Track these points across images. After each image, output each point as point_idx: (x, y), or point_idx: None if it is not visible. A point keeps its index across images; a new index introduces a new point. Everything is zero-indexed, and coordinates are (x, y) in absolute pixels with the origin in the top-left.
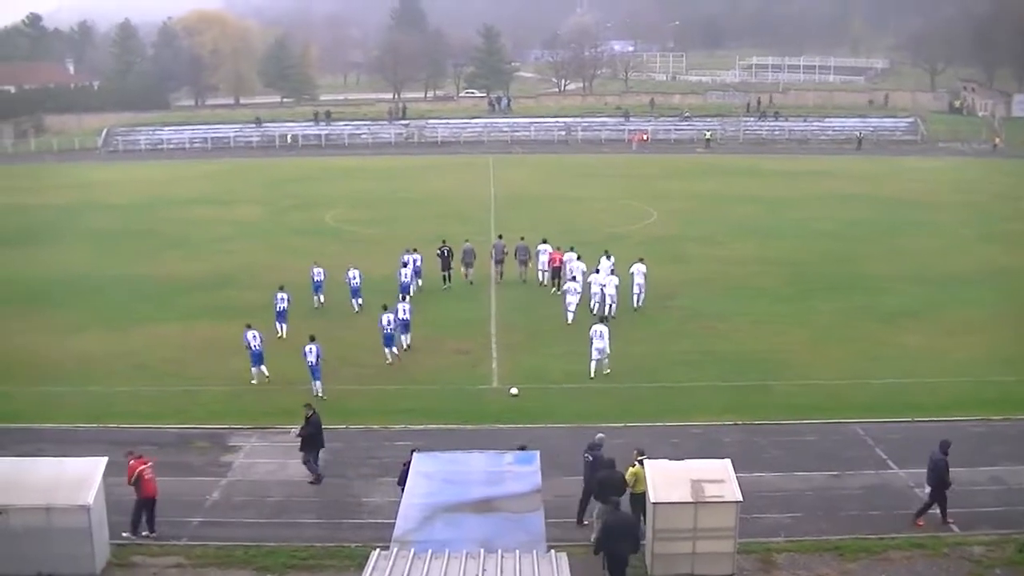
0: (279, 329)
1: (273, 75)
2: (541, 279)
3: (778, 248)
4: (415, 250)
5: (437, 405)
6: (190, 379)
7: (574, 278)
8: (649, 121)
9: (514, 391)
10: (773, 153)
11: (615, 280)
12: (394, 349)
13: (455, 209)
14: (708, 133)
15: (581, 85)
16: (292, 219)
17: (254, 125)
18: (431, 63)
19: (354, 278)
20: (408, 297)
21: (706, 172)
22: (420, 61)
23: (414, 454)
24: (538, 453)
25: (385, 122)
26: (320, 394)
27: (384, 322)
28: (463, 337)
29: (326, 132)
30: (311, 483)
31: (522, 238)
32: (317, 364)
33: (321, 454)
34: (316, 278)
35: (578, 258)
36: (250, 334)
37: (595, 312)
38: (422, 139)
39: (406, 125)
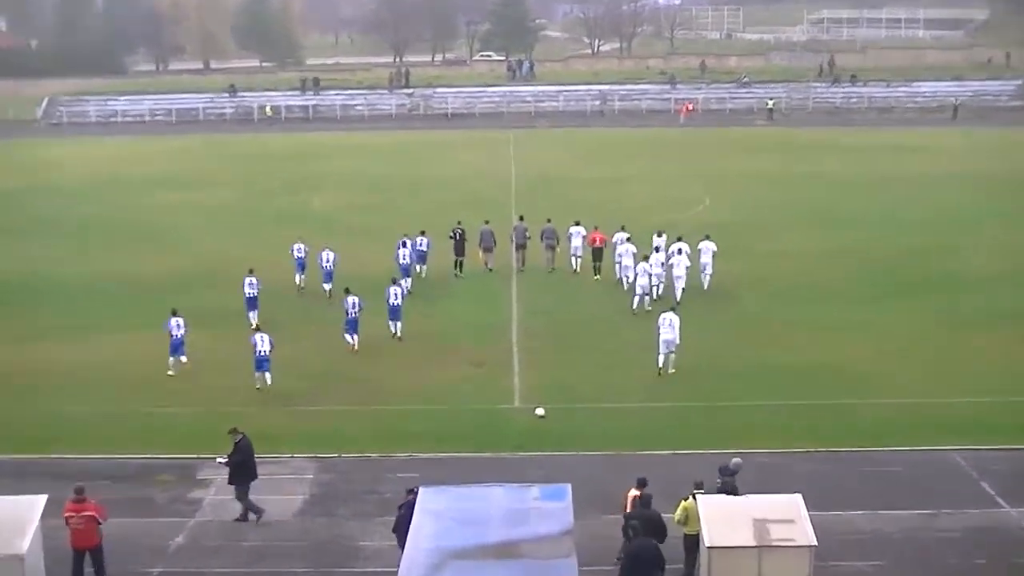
0: (251, 320)
1: (250, 34)
2: (574, 266)
3: (854, 240)
4: (422, 232)
5: (447, 429)
6: (156, 398)
7: (619, 262)
8: (699, 88)
9: (540, 411)
10: (849, 125)
11: (684, 261)
12: (355, 336)
13: (468, 194)
14: (770, 102)
15: (618, 46)
16: (275, 206)
17: (227, 94)
18: (439, 20)
19: (328, 260)
20: (405, 281)
21: (768, 149)
22: (426, 18)
23: (420, 489)
24: (569, 486)
25: (384, 91)
26: (267, 384)
27: (348, 305)
28: (478, 345)
29: (314, 103)
30: (238, 520)
31: (548, 220)
32: (266, 356)
33: (308, 488)
34: (297, 254)
35: (628, 239)
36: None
37: (635, 307)
38: (428, 111)
39: (409, 95)
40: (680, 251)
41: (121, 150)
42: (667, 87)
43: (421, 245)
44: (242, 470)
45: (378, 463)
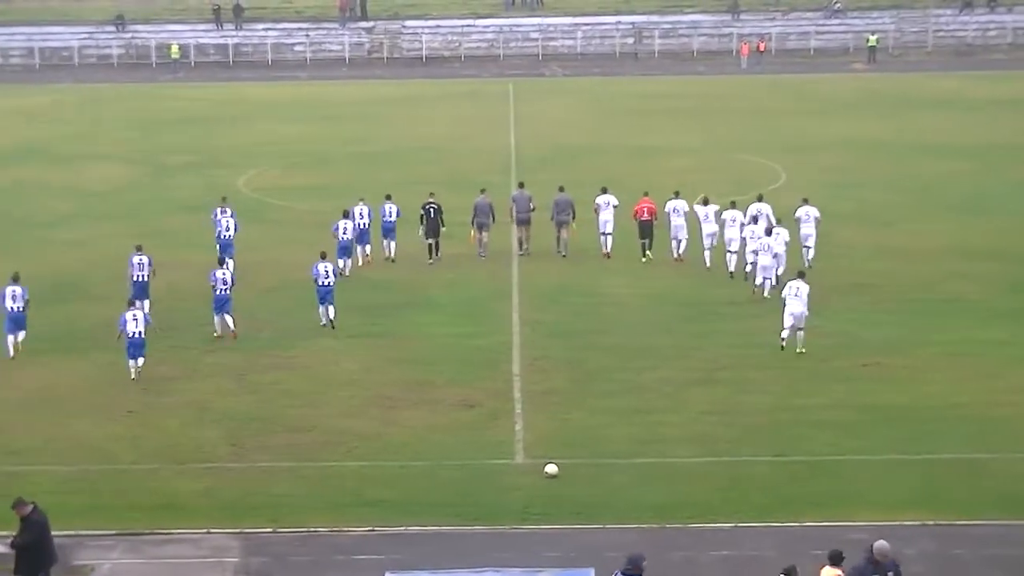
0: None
1: None
2: (604, 247)
3: (994, 233)
4: (388, 197)
5: (423, 493)
6: (8, 454)
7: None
8: (772, 19)
9: (551, 469)
10: (986, 68)
11: (783, 235)
12: (227, 317)
13: (450, 171)
14: (873, 37)
15: None
16: (181, 186)
17: (114, 27)
18: None
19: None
20: (344, 261)
21: (869, 104)
22: None
23: None
24: (592, 571)
25: (333, 24)
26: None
27: (218, 276)
28: (468, 378)
29: (235, 41)
30: None
31: (561, 188)
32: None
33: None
34: (223, 230)
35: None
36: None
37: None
38: (395, 53)
39: (368, 29)
40: (756, 219)
41: None
42: (727, 17)
43: (389, 215)
44: (34, 554)
45: (327, 540)
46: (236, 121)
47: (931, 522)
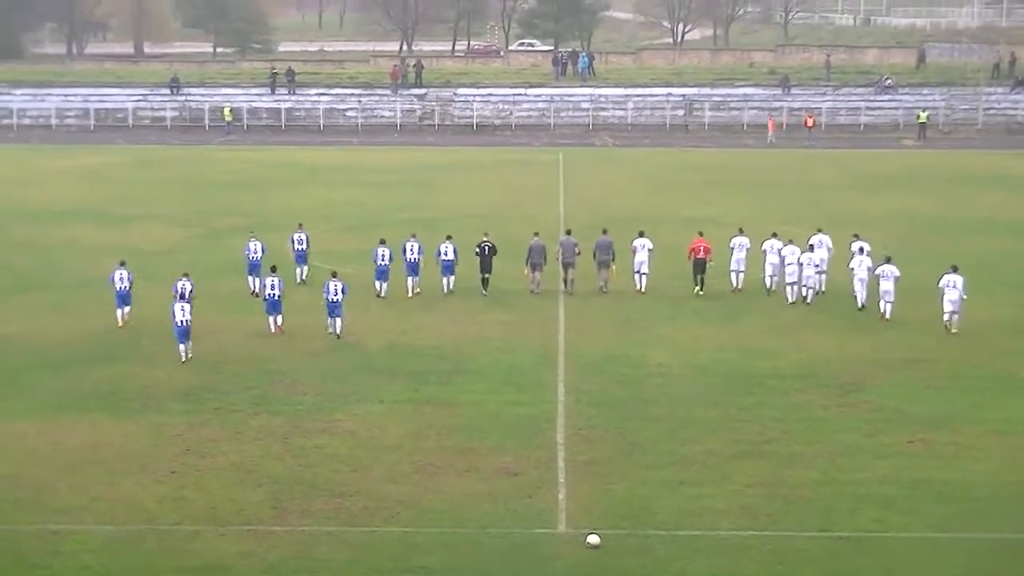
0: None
1: (201, 10)
2: (638, 285)
3: None
4: (448, 237)
5: (469, 561)
6: (53, 512)
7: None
8: (823, 94)
9: (593, 539)
10: None
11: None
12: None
13: (500, 236)
14: (924, 114)
15: (711, 34)
16: (231, 248)
17: (169, 90)
18: None
19: (255, 251)
20: (383, 285)
21: (919, 179)
22: None
23: None
24: None
25: (386, 91)
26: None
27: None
28: (511, 446)
29: (288, 105)
30: None
31: (605, 231)
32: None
33: None
34: (252, 255)
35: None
36: (118, 274)
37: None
38: (446, 120)
39: (421, 97)
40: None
41: (16, 165)
42: (777, 91)
43: (446, 254)
44: None
45: None
46: (287, 184)
47: None
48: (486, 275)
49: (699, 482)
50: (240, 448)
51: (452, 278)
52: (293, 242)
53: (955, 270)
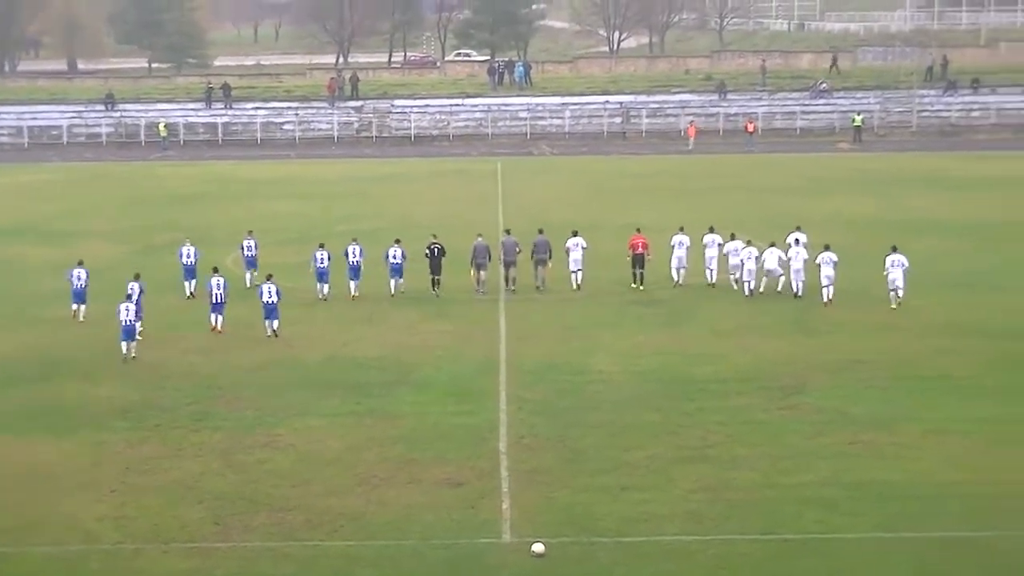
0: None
1: (135, 25)
2: (575, 283)
3: (984, 310)
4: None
5: (413, 573)
6: None
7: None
8: (759, 98)
9: (538, 548)
10: (970, 149)
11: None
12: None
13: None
14: (858, 118)
15: (647, 41)
16: (169, 264)
17: (104, 107)
18: (400, 6)
19: (189, 256)
20: (323, 288)
21: (855, 182)
22: (382, 2)
23: None
24: None
25: (323, 104)
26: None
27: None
28: (454, 457)
29: (224, 120)
30: None
31: (541, 231)
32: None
33: None
34: (185, 260)
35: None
36: (76, 272)
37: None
38: (384, 132)
39: (358, 109)
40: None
41: None
42: (714, 97)
43: (395, 257)
44: None
45: None
46: (225, 199)
47: None
48: (436, 276)
49: (642, 488)
50: (181, 465)
51: (400, 280)
52: (243, 248)
53: (895, 250)
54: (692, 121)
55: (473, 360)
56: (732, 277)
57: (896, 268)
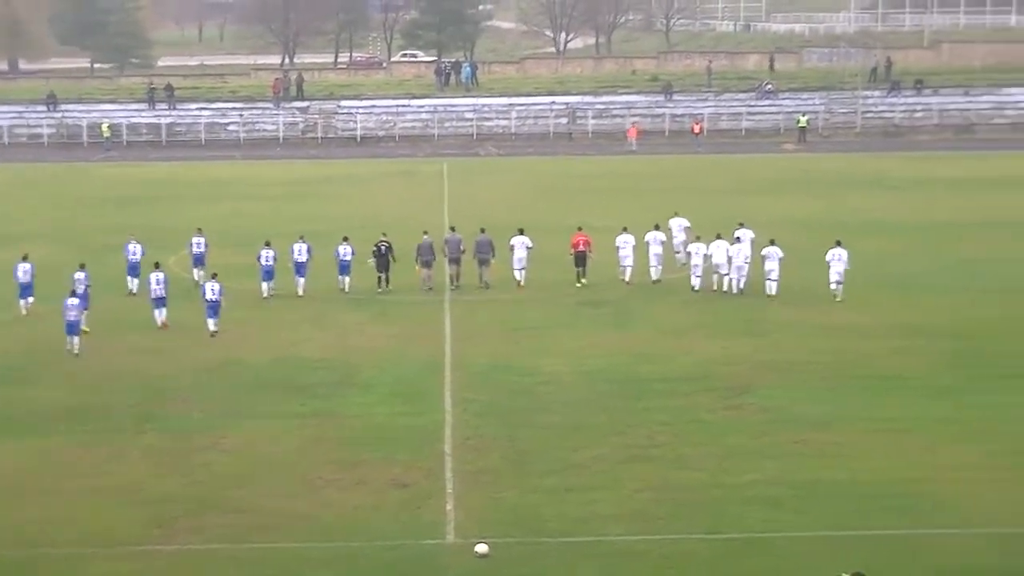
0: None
1: (77, 25)
2: (518, 281)
3: (926, 310)
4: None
5: (357, 574)
6: None
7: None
8: (705, 99)
9: (482, 548)
10: (913, 149)
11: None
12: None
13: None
14: (803, 118)
15: (594, 42)
16: (111, 266)
17: (45, 108)
18: (346, 6)
19: (135, 253)
20: (268, 286)
21: (801, 183)
22: (328, 2)
23: None
24: None
25: (268, 105)
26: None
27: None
28: (400, 458)
29: (168, 121)
30: None
31: (483, 230)
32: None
33: None
34: (131, 256)
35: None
36: (21, 267)
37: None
38: (330, 132)
39: (304, 109)
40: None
41: None
42: (660, 98)
43: (344, 255)
44: None
45: None
46: (170, 200)
47: None
48: (384, 274)
49: (588, 488)
50: (127, 468)
51: (348, 278)
52: (191, 246)
53: (839, 244)
54: (634, 122)
55: (418, 361)
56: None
57: (838, 262)
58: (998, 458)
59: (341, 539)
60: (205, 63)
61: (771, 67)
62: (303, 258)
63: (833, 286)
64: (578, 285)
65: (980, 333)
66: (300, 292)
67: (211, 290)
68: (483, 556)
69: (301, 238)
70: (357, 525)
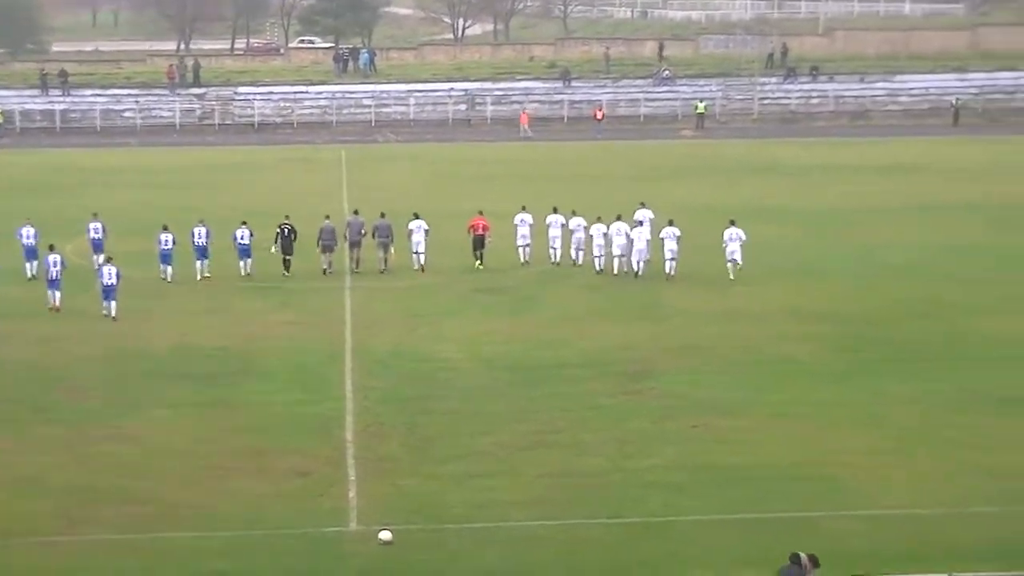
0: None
1: None
2: (417, 264)
3: (821, 295)
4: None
5: (262, 563)
6: None
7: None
8: (603, 86)
9: (385, 535)
10: (809, 135)
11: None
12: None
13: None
14: (700, 105)
15: (492, 29)
16: (5, 255)
17: None
18: None
19: (29, 236)
20: (167, 269)
21: (696, 170)
22: None
23: None
24: None
25: (164, 91)
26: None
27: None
28: (301, 446)
29: (62, 107)
30: None
31: (383, 214)
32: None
33: None
34: (25, 240)
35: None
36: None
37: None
38: (228, 119)
39: (200, 96)
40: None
41: None
42: (558, 84)
43: (242, 239)
44: None
45: None
46: (65, 188)
47: None
48: (287, 257)
49: (489, 474)
50: (24, 458)
51: (249, 261)
52: (89, 231)
53: (734, 223)
54: (524, 109)
55: (319, 349)
56: (575, 249)
57: (733, 241)
58: (887, 442)
59: (242, 528)
60: (100, 49)
61: (660, 54)
62: (203, 241)
63: (729, 264)
64: (477, 267)
65: (872, 318)
66: (202, 276)
67: (108, 274)
68: (386, 543)
69: (201, 222)
70: (258, 514)
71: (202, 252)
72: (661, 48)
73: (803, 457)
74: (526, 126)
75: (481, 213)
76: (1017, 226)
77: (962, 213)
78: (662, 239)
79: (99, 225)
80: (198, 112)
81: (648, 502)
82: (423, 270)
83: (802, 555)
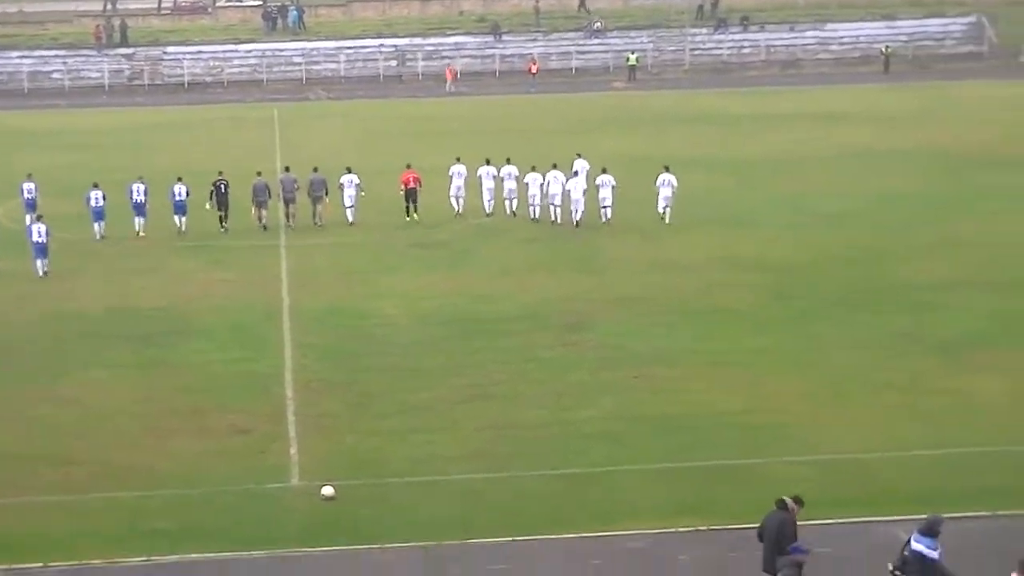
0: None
1: None
2: (349, 219)
3: (755, 243)
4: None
5: (203, 520)
6: None
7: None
8: (534, 40)
9: (327, 491)
10: (741, 86)
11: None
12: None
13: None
14: (633, 56)
15: None
16: None
17: None
18: None
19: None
20: (99, 226)
21: (630, 120)
22: None
23: None
24: None
25: (91, 51)
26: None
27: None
28: (240, 404)
29: None
30: None
31: (315, 169)
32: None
33: None
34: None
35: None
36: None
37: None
38: (156, 79)
39: (129, 56)
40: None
41: None
42: (489, 39)
43: (179, 195)
44: None
45: (102, 574)
46: None
47: (704, 527)
48: (222, 212)
49: (429, 429)
50: None
51: (185, 218)
52: (23, 191)
53: (667, 169)
54: (449, 64)
55: (256, 307)
56: (508, 201)
57: (666, 187)
58: (824, 387)
59: (183, 486)
60: (24, 10)
61: (581, 5)
62: (141, 198)
63: (661, 210)
64: (408, 219)
65: (804, 265)
66: (141, 232)
67: (38, 232)
68: (329, 498)
69: (140, 178)
70: (199, 472)
71: (139, 209)
72: (582, 2)
73: (742, 405)
74: (452, 81)
75: (409, 166)
76: (947, 172)
77: (892, 161)
78: (597, 186)
79: (32, 185)
80: (127, 73)
81: (589, 453)
82: (353, 224)
83: (787, 499)
